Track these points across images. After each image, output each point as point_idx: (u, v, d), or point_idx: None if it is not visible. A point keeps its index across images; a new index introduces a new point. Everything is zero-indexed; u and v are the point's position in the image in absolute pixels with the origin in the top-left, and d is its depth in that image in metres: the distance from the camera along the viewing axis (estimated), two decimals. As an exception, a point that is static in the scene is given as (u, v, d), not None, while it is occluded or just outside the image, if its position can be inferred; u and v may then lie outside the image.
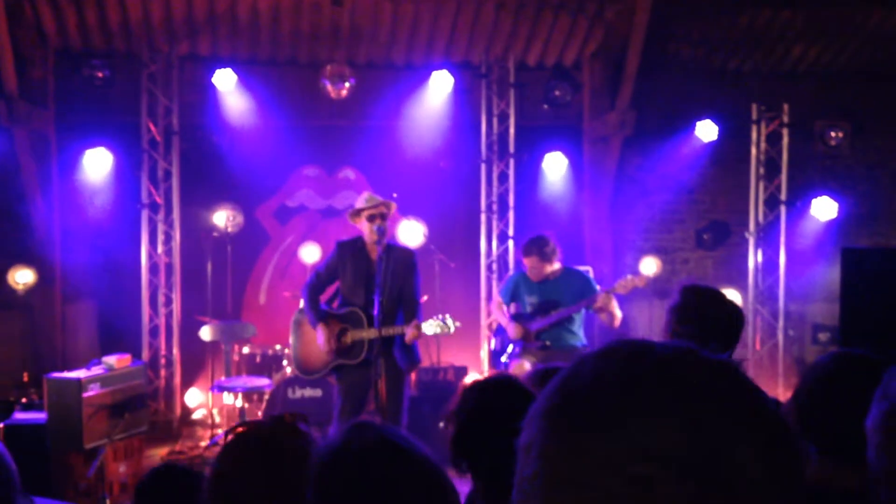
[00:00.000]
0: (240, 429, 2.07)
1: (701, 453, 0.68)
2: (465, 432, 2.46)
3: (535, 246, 6.37)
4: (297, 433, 2.02)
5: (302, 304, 6.23)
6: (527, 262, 6.44)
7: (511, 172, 9.10)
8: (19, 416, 6.86)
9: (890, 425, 1.54)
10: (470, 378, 8.51)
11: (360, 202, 5.91)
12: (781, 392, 8.58)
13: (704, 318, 3.19)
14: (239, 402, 7.60)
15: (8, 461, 1.49)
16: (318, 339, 5.92)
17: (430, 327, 5.74)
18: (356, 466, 1.72)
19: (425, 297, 8.13)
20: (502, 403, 2.43)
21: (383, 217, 5.82)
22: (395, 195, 6.00)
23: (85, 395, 6.41)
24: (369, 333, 5.78)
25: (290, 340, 6.33)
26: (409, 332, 5.71)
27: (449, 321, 5.74)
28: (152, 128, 8.53)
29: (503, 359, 6.65)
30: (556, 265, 6.47)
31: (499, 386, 2.53)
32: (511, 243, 9.05)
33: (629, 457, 0.69)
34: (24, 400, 7.26)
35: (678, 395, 0.71)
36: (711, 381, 0.74)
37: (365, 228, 5.85)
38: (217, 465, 2.02)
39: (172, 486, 3.04)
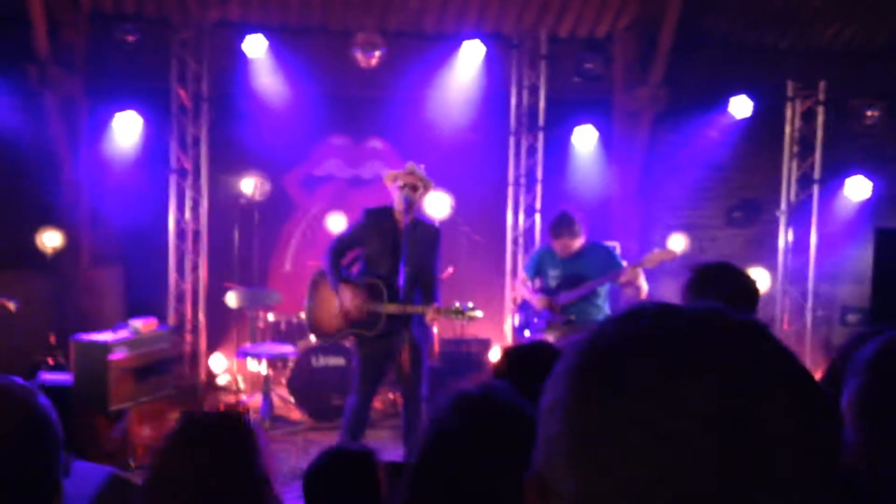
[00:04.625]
0: (184, 419, 1.99)
1: (730, 409, 0.67)
2: None
3: (563, 227, 6.30)
4: (243, 426, 1.97)
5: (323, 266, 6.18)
6: (557, 243, 6.38)
7: (540, 146, 9.00)
8: (45, 377, 6.93)
9: (865, 399, 1.51)
10: (497, 348, 8.49)
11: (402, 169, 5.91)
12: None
13: (719, 291, 3.16)
14: (263, 369, 7.64)
15: (53, 418, 1.47)
16: (342, 298, 5.87)
17: (450, 313, 5.67)
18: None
19: (450, 270, 8.11)
20: (543, 369, 2.36)
21: (414, 188, 5.78)
22: (422, 166, 5.95)
23: (111, 357, 6.45)
24: (388, 308, 5.73)
25: (306, 301, 6.30)
26: (429, 315, 5.66)
27: (470, 311, 5.65)
28: (182, 94, 8.53)
29: (526, 333, 6.62)
30: (582, 239, 6.42)
31: (539, 351, 2.48)
32: (538, 217, 8.98)
33: (659, 413, 0.68)
34: (50, 361, 7.34)
35: (708, 352, 0.71)
36: (740, 338, 0.73)
37: (395, 195, 5.83)
38: (161, 452, 1.94)
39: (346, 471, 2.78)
